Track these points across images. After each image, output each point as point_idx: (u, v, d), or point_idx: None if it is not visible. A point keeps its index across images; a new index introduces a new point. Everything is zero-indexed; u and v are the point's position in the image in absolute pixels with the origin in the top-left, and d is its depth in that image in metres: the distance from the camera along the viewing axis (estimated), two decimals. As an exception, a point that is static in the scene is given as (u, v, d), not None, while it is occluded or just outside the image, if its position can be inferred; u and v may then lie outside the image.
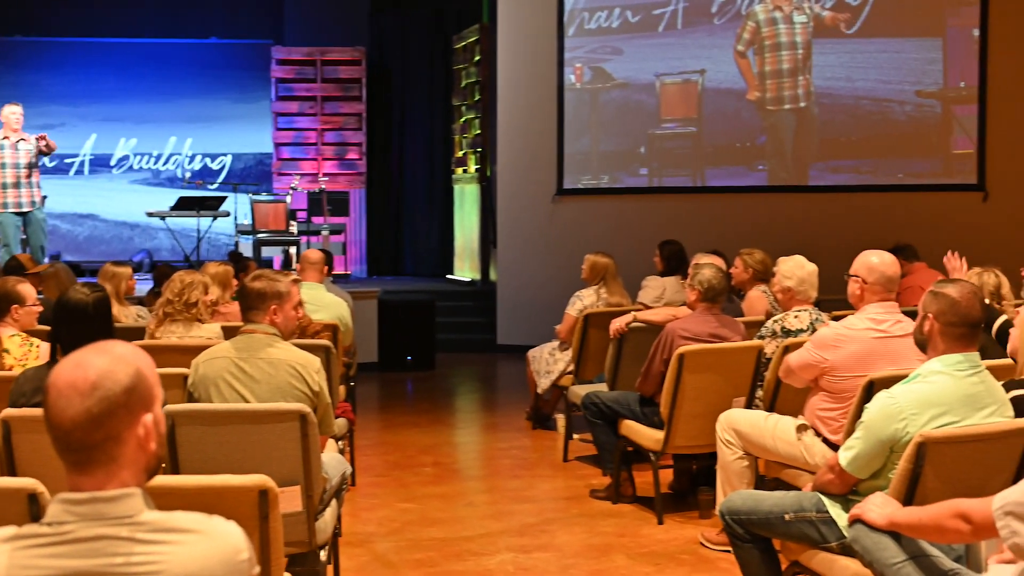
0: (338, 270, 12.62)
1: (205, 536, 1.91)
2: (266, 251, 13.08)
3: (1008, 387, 3.78)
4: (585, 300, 7.59)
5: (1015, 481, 3.41)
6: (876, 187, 11.50)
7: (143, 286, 9.52)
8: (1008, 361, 4.24)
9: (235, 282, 6.97)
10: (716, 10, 11.59)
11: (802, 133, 11.58)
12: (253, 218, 13.24)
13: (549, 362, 7.81)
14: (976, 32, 11.25)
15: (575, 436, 7.39)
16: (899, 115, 11.48)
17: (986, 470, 3.51)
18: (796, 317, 5.67)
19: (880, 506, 3.23)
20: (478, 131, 13.80)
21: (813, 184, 11.64)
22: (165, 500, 2.03)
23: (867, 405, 3.61)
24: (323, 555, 4.25)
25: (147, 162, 15.66)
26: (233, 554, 1.92)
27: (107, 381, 1.87)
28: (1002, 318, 5.09)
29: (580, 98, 11.84)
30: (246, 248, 13.03)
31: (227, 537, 1.94)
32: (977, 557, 3.26)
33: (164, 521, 1.90)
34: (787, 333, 5.63)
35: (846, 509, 3.60)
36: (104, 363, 1.88)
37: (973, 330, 3.52)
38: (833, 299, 6.86)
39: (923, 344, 3.60)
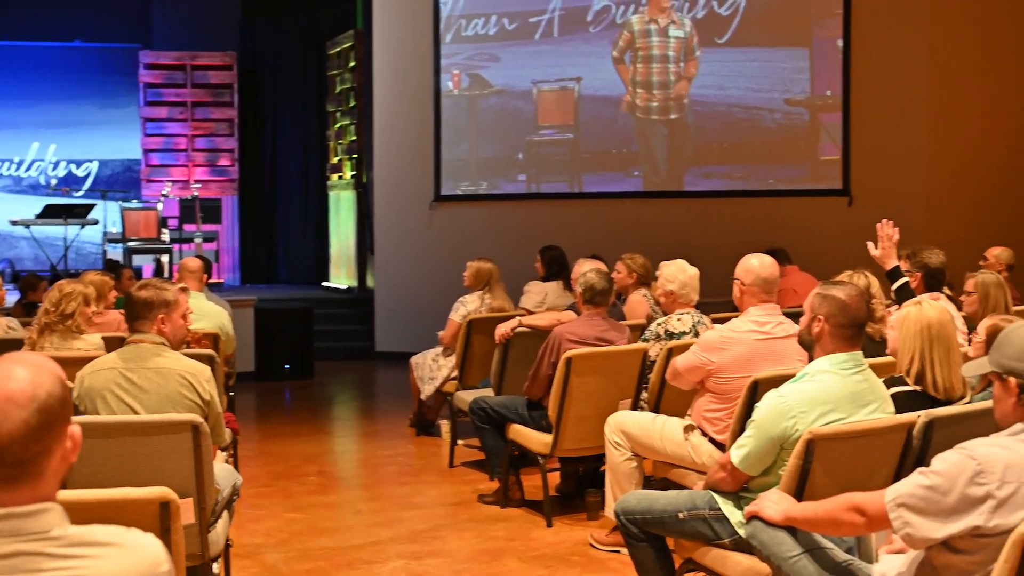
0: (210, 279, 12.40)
1: (124, 549, 1.87)
2: (137, 259, 12.79)
3: (889, 384, 3.93)
4: (469, 306, 7.62)
5: (897, 474, 3.57)
6: (748, 192, 11.81)
7: (12, 296, 9.21)
8: (889, 359, 4.41)
9: (113, 292, 6.80)
10: (591, 19, 11.75)
11: (676, 140, 11.81)
12: (123, 226, 12.92)
13: (432, 368, 7.81)
14: (840, 43, 11.64)
15: (460, 442, 7.42)
16: (769, 122, 11.81)
17: (870, 464, 3.65)
18: (679, 320, 5.80)
19: (776, 502, 3.33)
20: (353, 137, 13.72)
21: (688, 190, 11.88)
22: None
23: (757, 404, 3.72)
24: (216, 567, 4.18)
25: (8, 168, 15.15)
26: (153, 567, 1.89)
27: (41, 391, 1.80)
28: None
29: (458, 105, 11.88)
30: (116, 257, 12.70)
31: (146, 550, 1.90)
32: (867, 549, 3.39)
33: (82, 535, 1.85)
34: (670, 336, 5.75)
35: (738, 506, 3.70)
36: (29, 374, 1.81)
37: (860, 330, 3.66)
38: (712, 302, 7.03)
39: (810, 345, 3.72)
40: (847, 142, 11.65)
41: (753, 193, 11.78)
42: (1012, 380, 2.67)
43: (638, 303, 7.17)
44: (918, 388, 3.96)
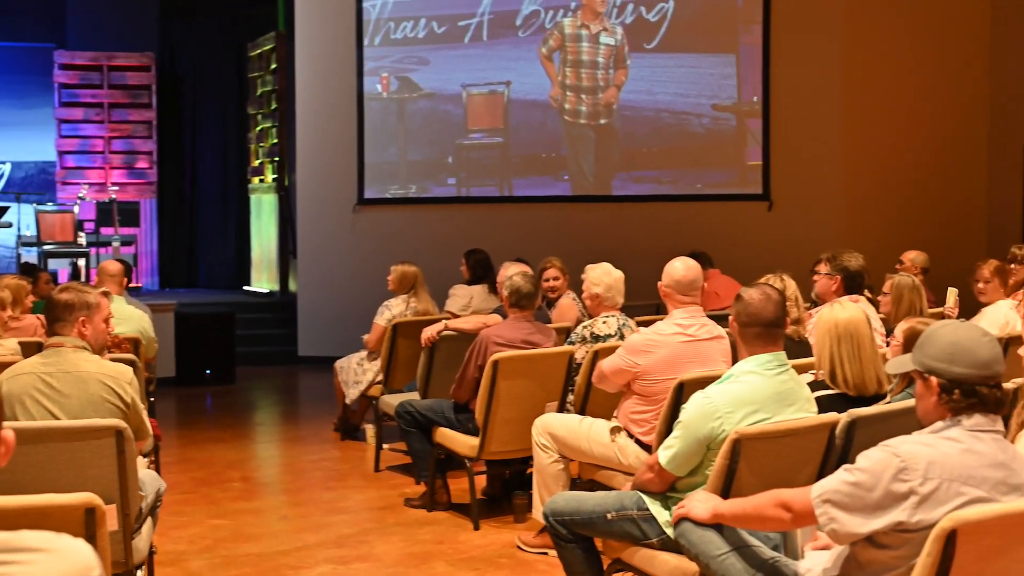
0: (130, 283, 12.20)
1: (55, 555, 1.83)
2: (53, 263, 12.53)
3: (813, 387, 4.01)
4: (394, 310, 7.59)
5: (821, 473, 3.63)
6: (672, 197, 11.93)
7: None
8: (810, 360, 4.49)
9: (30, 297, 6.66)
10: (521, 23, 11.79)
11: (605, 145, 11.89)
12: (38, 229, 12.66)
13: (358, 372, 7.77)
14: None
15: (385, 446, 7.39)
16: (697, 128, 11.95)
17: (794, 463, 3.71)
18: (604, 323, 5.84)
19: (703, 501, 3.37)
20: (275, 140, 13.59)
21: (617, 194, 11.97)
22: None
23: (684, 405, 3.77)
24: (140, 575, 4.11)
25: (-84, 170, 14.75)
26: (84, 572, 1.85)
27: None
28: None
29: (387, 108, 11.83)
30: (31, 260, 12.43)
31: (77, 555, 1.86)
32: (793, 545, 3.45)
33: (10, 541, 1.81)
34: (596, 338, 5.79)
35: (666, 506, 3.74)
36: None
37: (768, 329, 3.71)
38: (638, 305, 7.09)
39: (736, 346, 3.80)
40: (767, 148, 11.84)
41: (676, 197, 11.91)
42: (933, 379, 2.74)
43: (568, 307, 7.22)
44: (837, 390, 4.05)
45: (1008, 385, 2.90)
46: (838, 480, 2.74)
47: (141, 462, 4.71)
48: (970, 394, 2.68)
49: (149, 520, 4.24)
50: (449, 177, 11.94)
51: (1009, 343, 4.98)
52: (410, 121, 11.86)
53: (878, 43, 11.81)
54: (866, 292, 7.65)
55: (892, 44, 11.83)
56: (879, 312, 6.49)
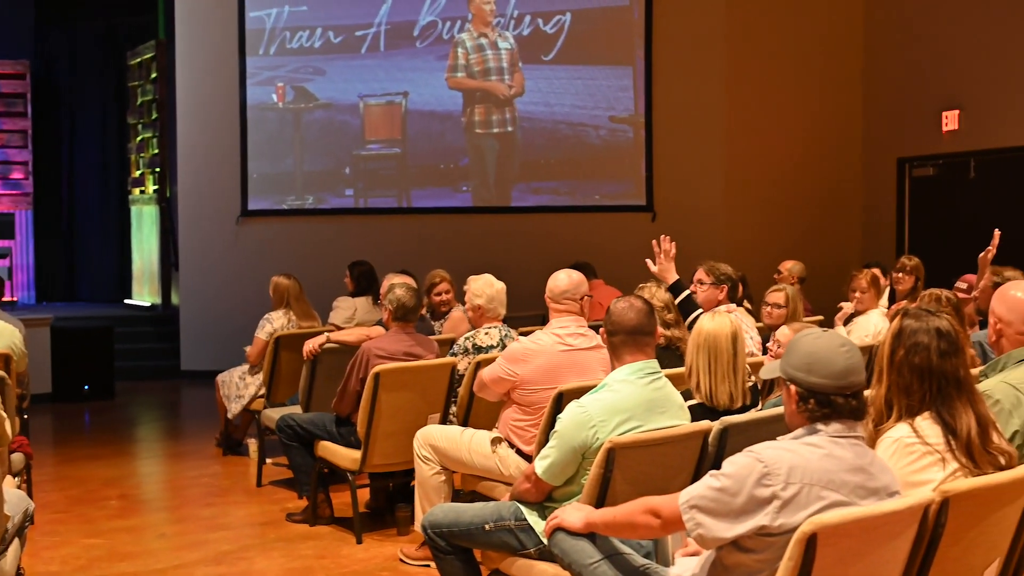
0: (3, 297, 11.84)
1: None
2: (-79, 277, 12.08)
3: (686, 396, 4.08)
4: (275, 323, 7.51)
5: (694, 480, 3.69)
6: (568, 208, 12.01)
7: None
8: (677, 370, 4.57)
9: None
10: (418, 33, 11.77)
11: (505, 156, 11.93)
12: (-95, 241, 12.21)
13: (239, 386, 7.66)
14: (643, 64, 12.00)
15: (268, 460, 7.30)
16: (594, 139, 12.04)
17: (668, 471, 3.77)
18: (487, 334, 5.86)
19: (576, 510, 3.40)
20: (156, 150, 13.34)
21: (515, 205, 12.01)
22: None
23: (559, 415, 3.80)
24: (6, 598, 3.99)
25: None
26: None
27: None
28: None
29: (283, 118, 11.70)
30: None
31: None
32: (665, 552, 3.50)
33: None
34: (478, 350, 5.81)
35: (543, 516, 3.76)
36: None
37: (633, 337, 3.80)
38: (528, 316, 7.13)
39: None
40: (650, 160, 12.00)
41: (569, 208, 12.00)
42: (792, 387, 2.81)
43: (460, 319, 7.23)
44: (702, 401, 4.16)
45: (868, 393, 2.99)
46: (704, 486, 2.79)
47: (9, 481, 4.59)
48: (825, 403, 2.76)
49: (16, 542, 4.12)
50: (347, 188, 11.86)
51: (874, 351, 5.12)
52: (306, 131, 11.75)
53: (757, 57, 12.08)
54: (746, 303, 7.83)
55: (771, 58, 12.10)
56: (759, 322, 6.64)
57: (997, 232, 6.28)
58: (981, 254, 6.18)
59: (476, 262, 8.36)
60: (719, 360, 4.22)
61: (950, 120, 10.94)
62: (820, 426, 2.78)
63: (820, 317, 8.16)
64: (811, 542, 2.58)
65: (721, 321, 4.30)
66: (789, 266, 8.86)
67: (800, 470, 2.71)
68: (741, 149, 12.09)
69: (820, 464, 2.73)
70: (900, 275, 7.80)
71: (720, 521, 2.74)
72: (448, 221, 11.86)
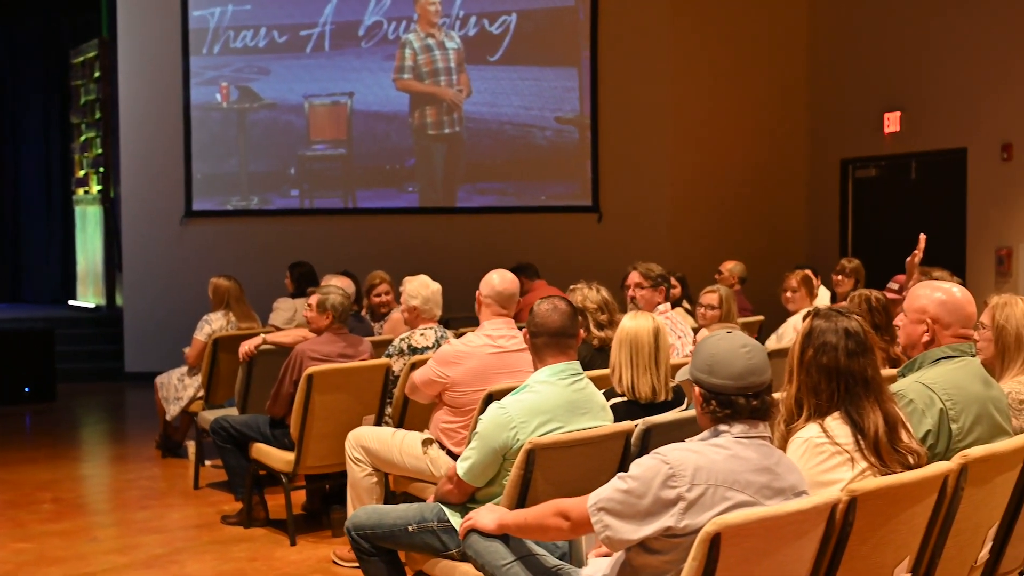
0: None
1: None
2: None
3: (608, 395, 4.10)
4: (214, 324, 7.47)
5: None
6: (513, 209, 12.02)
7: None
8: (606, 372, 4.60)
9: None
10: (364, 33, 11.73)
11: (452, 157, 11.91)
12: None
13: (178, 388, 7.62)
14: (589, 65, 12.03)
15: (207, 462, 7.26)
16: (540, 140, 12.05)
17: (589, 472, 3.78)
18: (422, 335, 5.86)
19: (489, 512, 3.41)
20: (100, 150, 13.22)
21: (461, 206, 12.01)
22: None
23: (480, 416, 3.81)
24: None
25: None
26: None
27: None
28: None
29: (227, 118, 11.62)
30: None
31: None
32: (579, 553, 3.51)
33: None
34: (413, 351, 5.80)
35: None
36: None
37: (555, 339, 3.82)
38: (471, 316, 7.09)
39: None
40: (596, 160, 12.04)
41: (514, 209, 12.01)
42: (697, 388, 2.84)
43: (400, 321, 7.19)
44: (627, 397, 4.17)
45: (777, 395, 3.01)
46: (612, 488, 2.81)
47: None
48: (726, 404, 2.79)
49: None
50: (292, 188, 11.80)
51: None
52: (251, 131, 11.69)
53: (703, 59, 12.15)
54: (685, 303, 7.88)
55: (716, 60, 12.18)
56: (697, 322, 6.68)
57: (923, 236, 6.36)
58: (908, 258, 6.25)
59: (421, 263, 8.35)
60: (640, 353, 4.25)
61: (892, 122, 11.06)
62: (724, 427, 2.81)
63: (761, 318, 8.23)
64: (715, 542, 2.60)
65: (644, 319, 4.34)
66: (730, 266, 8.93)
67: (705, 471, 2.73)
68: (687, 150, 12.16)
69: (725, 465, 2.75)
70: (840, 277, 7.90)
71: (627, 523, 2.76)
72: (394, 222, 11.84)
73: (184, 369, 7.62)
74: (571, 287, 5.82)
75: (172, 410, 7.61)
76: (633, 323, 4.28)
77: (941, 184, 10.55)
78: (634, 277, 6.41)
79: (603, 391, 4.10)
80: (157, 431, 8.12)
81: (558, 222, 12.00)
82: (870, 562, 3.00)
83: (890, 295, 6.05)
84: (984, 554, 3.46)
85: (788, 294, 7.10)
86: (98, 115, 13.17)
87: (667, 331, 4.66)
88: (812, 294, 7.21)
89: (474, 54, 11.85)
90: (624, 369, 4.26)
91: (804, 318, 3.22)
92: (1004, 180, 9.71)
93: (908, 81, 10.87)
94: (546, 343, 3.79)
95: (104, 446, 9.14)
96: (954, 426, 3.40)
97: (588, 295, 5.73)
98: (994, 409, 3.53)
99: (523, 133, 12.01)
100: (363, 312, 7.71)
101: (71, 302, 14.10)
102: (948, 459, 3.24)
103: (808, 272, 7.37)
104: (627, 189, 12.05)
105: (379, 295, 7.61)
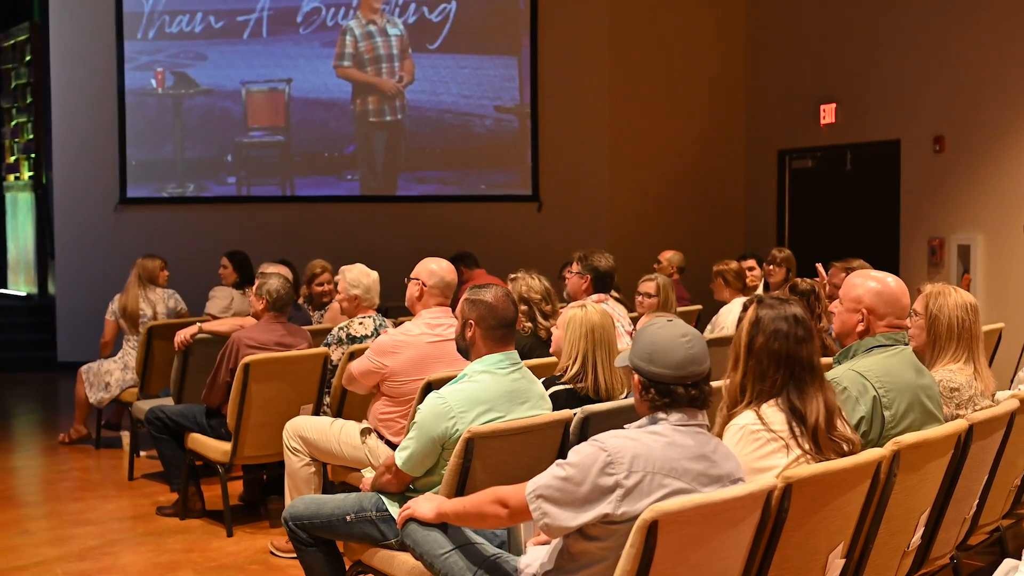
0: None
1: None
2: None
3: (548, 383, 4.10)
4: (116, 303, 7.65)
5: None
6: (453, 197, 12.00)
7: None
8: (552, 359, 4.59)
9: None
10: (302, 20, 11.61)
11: (393, 144, 11.84)
12: None
13: (101, 374, 7.56)
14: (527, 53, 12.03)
15: (142, 453, 7.17)
16: (480, 129, 12.03)
17: (529, 460, 3.79)
18: (361, 324, 5.83)
19: (428, 501, 3.40)
20: (31, 136, 12.97)
21: (401, 194, 11.95)
22: None
23: (419, 406, 3.79)
24: None
25: None
26: None
27: None
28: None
29: (163, 104, 11.45)
30: None
31: None
32: (517, 541, 3.51)
33: None
34: (352, 340, 5.77)
35: (404, 506, 3.75)
36: None
37: (510, 330, 3.82)
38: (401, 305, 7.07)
39: (466, 350, 3.85)
40: (535, 149, 12.06)
41: (454, 198, 12.00)
42: (636, 376, 2.85)
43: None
44: (573, 387, 4.17)
45: (715, 383, 3.03)
46: (550, 476, 2.81)
47: None
48: (665, 393, 2.80)
49: None
50: (229, 176, 11.66)
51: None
52: (187, 118, 11.53)
53: (642, 49, 12.21)
54: (613, 292, 7.91)
55: (655, 51, 12.24)
56: (631, 311, 6.70)
57: (819, 266, 6.57)
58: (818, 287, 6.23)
59: (360, 251, 8.31)
60: (612, 351, 4.25)
61: (827, 113, 11.18)
62: (663, 415, 2.82)
63: (699, 307, 8.29)
64: (652, 529, 2.61)
65: (603, 311, 4.34)
66: (668, 256, 8.98)
67: (643, 458, 2.74)
68: (626, 140, 12.21)
69: (663, 452, 2.76)
70: (771, 267, 8.01)
71: (565, 510, 2.77)
72: (332, 210, 11.76)
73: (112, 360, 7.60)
74: (511, 276, 5.81)
75: (100, 397, 7.54)
76: (598, 317, 4.24)
77: (875, 175, 10.69)
78: (573, 265, 6.42)
79: (542, 380, 4.10)
80: (92, 421, 7.97)
81: (498, 211, 12.01)
82: (805, 548, 3.04)
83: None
84: (916, 539, 3.52)
85: (642, 299, 6.81)
86: (29, 100, 12.93)
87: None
88: (743, 284, 7.32)
89: (414, 41, 11.80)
90: (600, 368, 4.17)
91: (745, 306, 3.24)
92: (936, 172, 9.86)
93: (844, 73, 10.99)
94: (502, 336, 3.77)
95: (36, 437, 8.97)
96: (887, 413, 3.45)
97: (532, 285, 5.72)
98: (926, 397, 3.59)
99: (463, 122, 11.98)
100: (300, 300, 7.66)
101: (1, 290, 13.83)
102: (881, 446, 3.29)
103: (739, 263, 7.48)
104: (566, 179, 12.08)
105: (321, 284, 7.56)
